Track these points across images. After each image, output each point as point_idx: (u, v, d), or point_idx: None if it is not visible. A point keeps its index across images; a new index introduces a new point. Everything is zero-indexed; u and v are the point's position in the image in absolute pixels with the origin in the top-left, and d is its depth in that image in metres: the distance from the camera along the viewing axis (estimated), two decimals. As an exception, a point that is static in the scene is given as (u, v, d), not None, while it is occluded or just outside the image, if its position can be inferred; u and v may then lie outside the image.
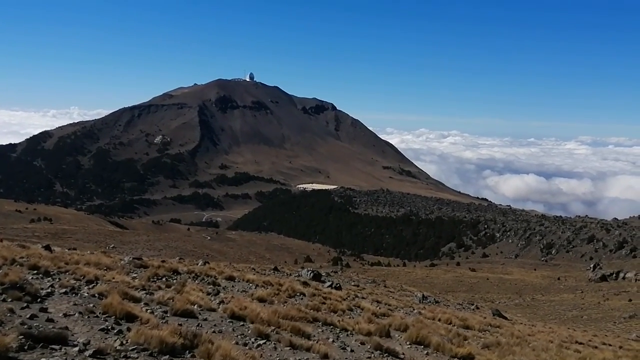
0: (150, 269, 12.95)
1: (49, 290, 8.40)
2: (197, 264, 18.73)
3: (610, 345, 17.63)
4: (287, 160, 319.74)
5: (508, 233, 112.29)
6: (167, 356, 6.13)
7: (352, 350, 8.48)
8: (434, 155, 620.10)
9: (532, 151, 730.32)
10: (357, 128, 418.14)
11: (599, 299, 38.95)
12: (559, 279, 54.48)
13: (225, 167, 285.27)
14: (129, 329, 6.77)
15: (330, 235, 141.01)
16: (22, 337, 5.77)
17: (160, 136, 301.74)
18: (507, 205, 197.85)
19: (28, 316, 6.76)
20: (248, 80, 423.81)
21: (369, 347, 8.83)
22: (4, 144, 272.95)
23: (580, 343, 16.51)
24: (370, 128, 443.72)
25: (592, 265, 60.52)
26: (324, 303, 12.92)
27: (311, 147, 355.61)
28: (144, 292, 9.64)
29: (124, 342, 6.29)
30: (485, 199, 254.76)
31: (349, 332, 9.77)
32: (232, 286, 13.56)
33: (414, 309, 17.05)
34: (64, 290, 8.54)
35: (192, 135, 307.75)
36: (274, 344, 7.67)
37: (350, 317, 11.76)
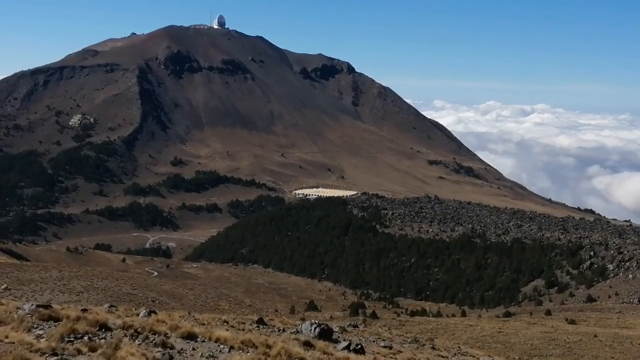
0: (64, 323, 12.91)
1: None
2: (138, 315, 18.68)
3: None
4: (278, 151, 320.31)
5: (627, 264, 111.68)
6: None
7: None
8: (509, 142, 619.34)
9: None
10: (388, 101, 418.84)
11: None
12: None
13: (180, 162, 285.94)
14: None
15: (346, 268, 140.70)
16: None
17: (79, 115, 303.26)
18: (626, 221, 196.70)
19: None
20: (216, 27, 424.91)
21: None
22: None
23: None
24: (409, 101, 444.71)
25: None
26: (339, 375, 12.88)
27: (316, 131, 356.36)
28: (56, 358, 9.61)
29: None
30: (592, 211, 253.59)
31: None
32: (193, 349, 13.53)
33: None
34: None
35: (129, 114, 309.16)
36: None
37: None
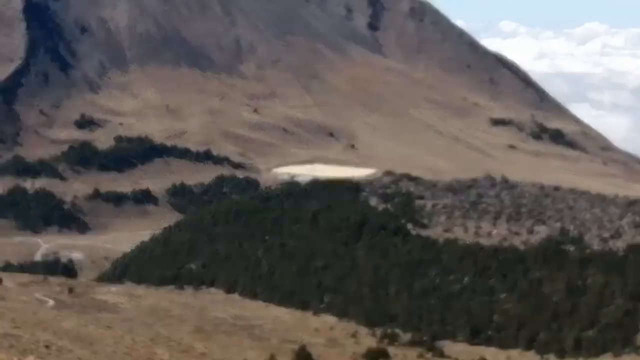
0: None
1: None
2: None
3: None
4: (249, 105, 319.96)
5: None
6: None
7: None
8: (622, 89, 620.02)
9: None
10: (426, 23, 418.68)
11: None
12: None
13: (91, 123, 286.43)
14: None
15: (358, 294, 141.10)
16: None
17: None
18: None
19: None
20: None
21: None
22: None
23: None
24: (460, 23, 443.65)
25: None
26: None
27: (309, 73, 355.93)
28: None
29: None
30: None
31: None
32: None
33: None
34: None
35: (8, 45, 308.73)
36: None
37: None
